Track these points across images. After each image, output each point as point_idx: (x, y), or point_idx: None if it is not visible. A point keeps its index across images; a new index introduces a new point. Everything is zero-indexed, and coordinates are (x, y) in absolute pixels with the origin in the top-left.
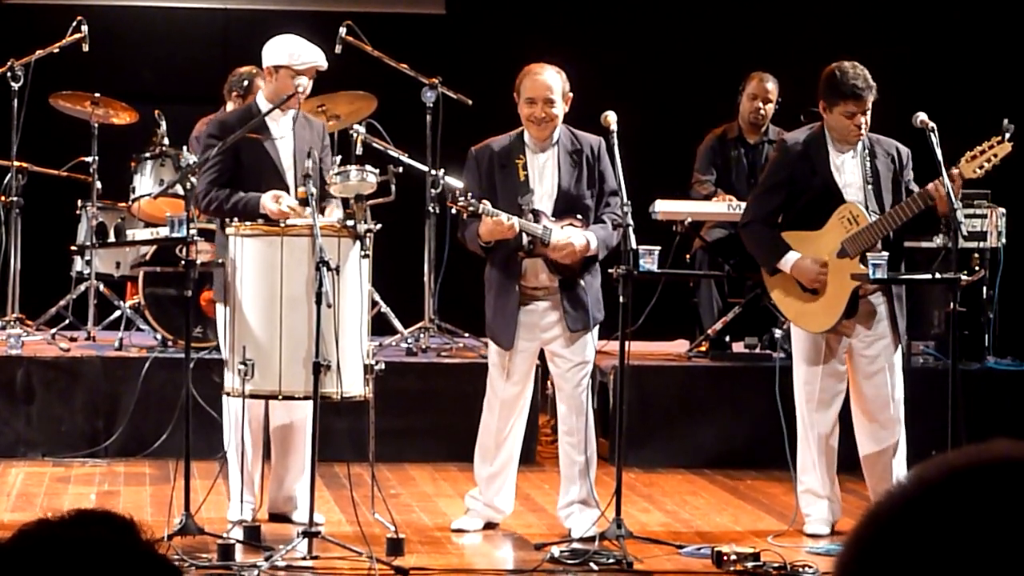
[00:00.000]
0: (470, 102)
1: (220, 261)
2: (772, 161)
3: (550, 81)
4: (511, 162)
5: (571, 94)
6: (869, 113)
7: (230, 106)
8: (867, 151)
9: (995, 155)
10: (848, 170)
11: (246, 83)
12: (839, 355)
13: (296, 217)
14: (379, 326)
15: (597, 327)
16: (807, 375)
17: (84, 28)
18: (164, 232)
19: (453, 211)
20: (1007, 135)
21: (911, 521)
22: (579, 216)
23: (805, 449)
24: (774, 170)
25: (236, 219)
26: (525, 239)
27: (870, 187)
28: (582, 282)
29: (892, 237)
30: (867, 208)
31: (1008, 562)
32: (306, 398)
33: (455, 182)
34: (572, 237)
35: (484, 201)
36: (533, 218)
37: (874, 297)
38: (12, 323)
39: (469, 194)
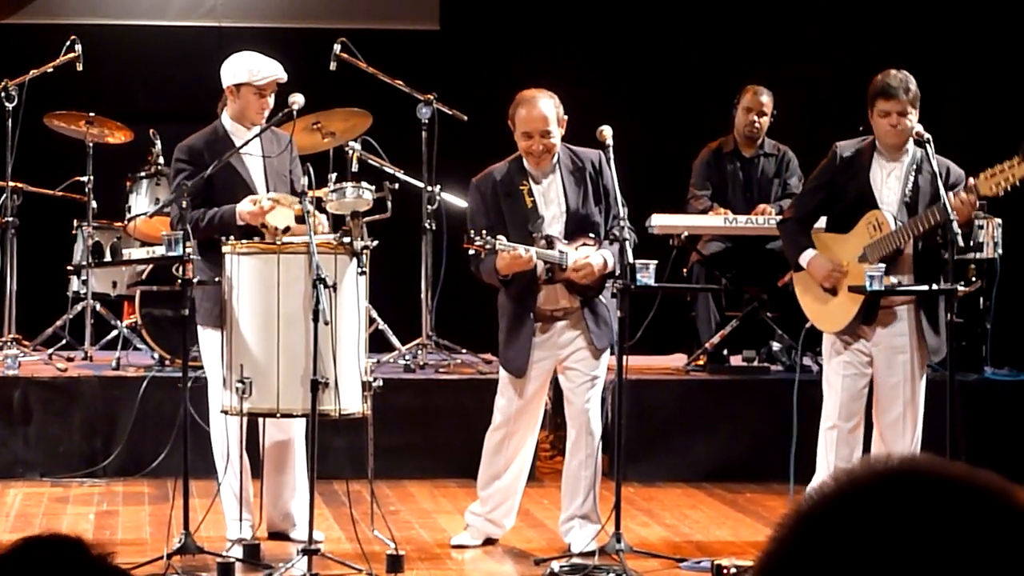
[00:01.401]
0: (465, 118)
1: (216, 279)
2: (819, 165)
3: (544, 112)
4: (515, 190)
5: (565, 116)
6: (909, 119)
7: None
8: (915, 166)
9: (1013, 175)
10: (890, 180)
11: None
12: (859, 356)
13: (278, 206)
14: (377, 343)
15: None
16: (830, 375)
17: (78, 48)
18: (160, 251)
19: (471, 252)
20: None
21: (819, 531)
22: (591, 235)
23: (824, 458)
24: (818, 173)
25: (217, 236)
26: (542, 266)
27: (906, 200)
28: (603, 300)
29: (921, 248)
30: (896, 219)
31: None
32: (304, 415)
33: (452, 198)
34: (590, 258)
35: (499, 237)
36: (547, 244)
37: (899, 308)
38: (9, 343)
39: (484, 232)
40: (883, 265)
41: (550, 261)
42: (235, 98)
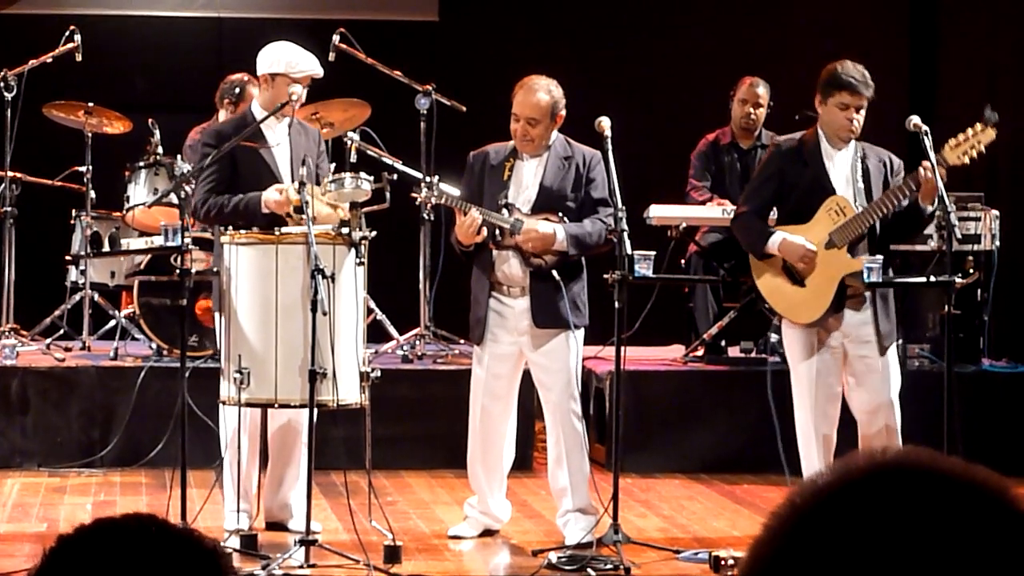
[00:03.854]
0: (464, 109)
1: (215, 269)
2: (764, 158)
3: (539, 101)
4: (500, 165)
5: (563, 113)
6: (863, 113)
7: (223, 114)
8: (860, 154)
9: (978, 142)
10: (840, 166)
11: (238, 91)
12: (831, 352)
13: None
14: (375, 333)
15: (580, 334)
16: (801, 375)
17: (77, 38)
18: (158, 241)
19: (417, 202)
20: (990, 122)
21: (814, 523)
22: (559, 214)
23: (808, 454)
24: (765, 164)
25: (239, 223)
26: (496, 230)
27: (860, 185)
28: (557, 279)
29: (879, 239)
30: (855, 203)
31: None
32: (302, 406)
33: (450, 189)
34: (539, 226)
35: (441, 184)
36: (507, 212)
37: (860, 299)
38: (7, 333)
39: (433, 185)
40: (880, 257)
41: (498, 223)
42: (268, 87)
